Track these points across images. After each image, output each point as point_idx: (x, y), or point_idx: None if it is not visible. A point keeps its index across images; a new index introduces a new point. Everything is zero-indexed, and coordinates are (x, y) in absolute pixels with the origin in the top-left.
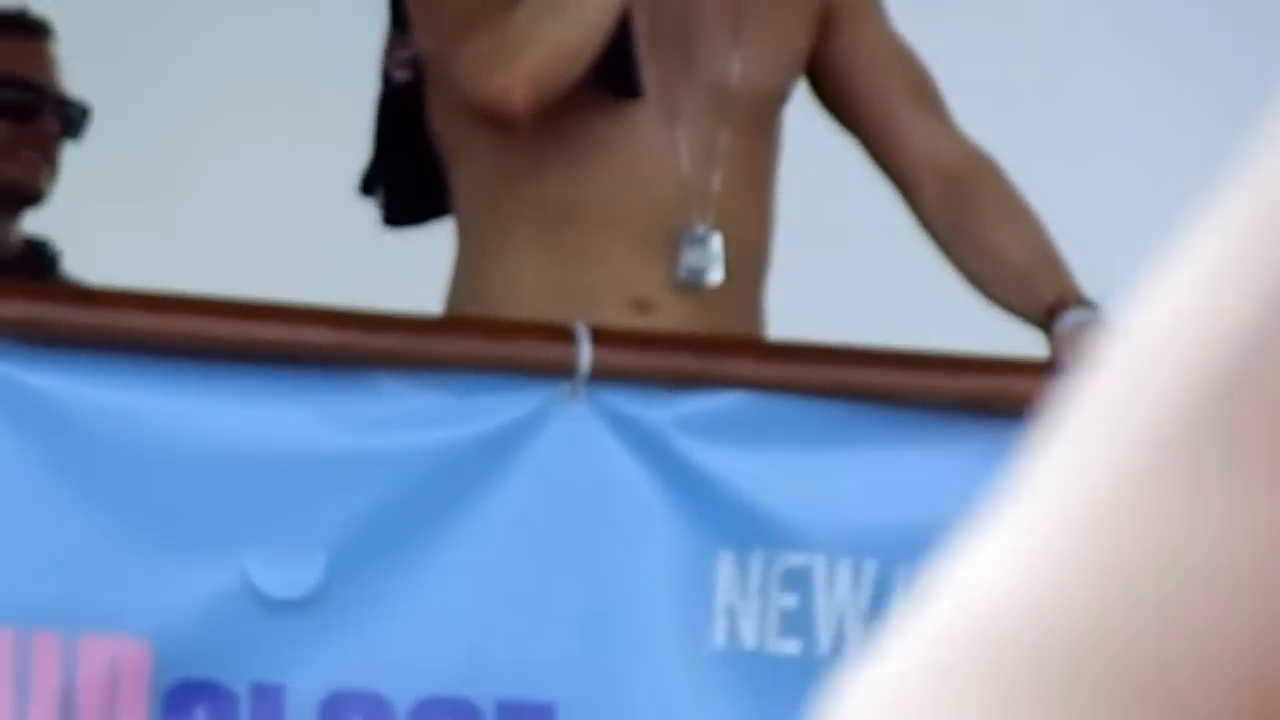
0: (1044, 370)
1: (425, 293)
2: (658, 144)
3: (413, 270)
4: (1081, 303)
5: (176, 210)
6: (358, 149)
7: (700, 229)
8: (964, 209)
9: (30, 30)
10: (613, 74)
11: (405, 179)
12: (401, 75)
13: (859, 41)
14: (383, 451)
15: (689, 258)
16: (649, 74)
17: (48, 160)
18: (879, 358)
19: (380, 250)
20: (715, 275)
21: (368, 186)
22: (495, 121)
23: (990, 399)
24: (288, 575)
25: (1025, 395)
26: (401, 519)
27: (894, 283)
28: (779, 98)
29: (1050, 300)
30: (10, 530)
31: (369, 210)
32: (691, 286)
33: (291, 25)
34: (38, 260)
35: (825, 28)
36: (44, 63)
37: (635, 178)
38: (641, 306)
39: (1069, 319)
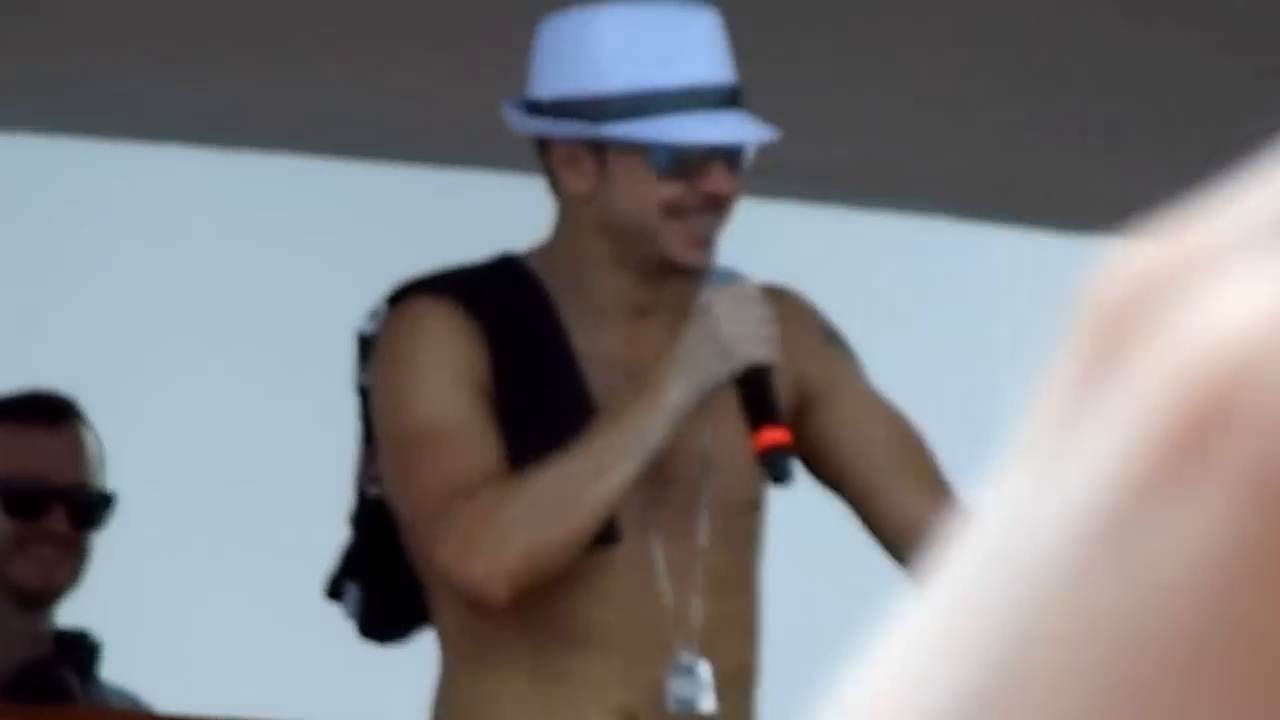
0: None
1: (408, 708)
2: (635, 569)
3: (395, 684)
4: None
5: (154, 627)
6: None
7: (685, 658)
8: None
9: (46, 417)
10: None
11: (383, 592)
12: (375, 490)
13: (837, 419)
14: None
15: (677, 687)
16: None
17: (62, 556)
18: None
19: (361, 663)
20: (706, 704)
21: (335, 590)
22: (470, 603)
23: None
24: None
25: None
26: None
27: None
28: (756, 504)
29: None
30: None
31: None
32: (683, 715)
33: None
34: (74, 655)
35: (802, 411)
36: (58, 452)
37: (615, 603)
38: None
39: None
